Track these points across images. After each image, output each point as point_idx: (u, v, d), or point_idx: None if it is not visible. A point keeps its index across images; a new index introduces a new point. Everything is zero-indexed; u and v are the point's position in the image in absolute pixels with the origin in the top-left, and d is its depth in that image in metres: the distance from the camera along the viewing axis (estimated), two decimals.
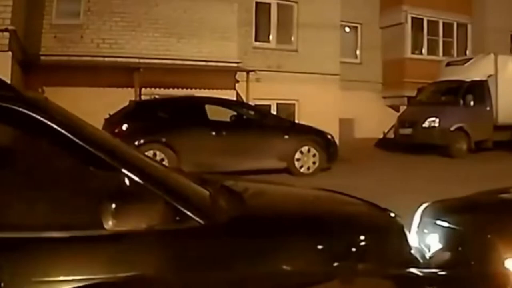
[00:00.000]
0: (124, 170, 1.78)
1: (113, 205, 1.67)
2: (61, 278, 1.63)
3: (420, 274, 2.29)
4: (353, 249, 2.03)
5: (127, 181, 1.77)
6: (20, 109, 1.71)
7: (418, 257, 2.46)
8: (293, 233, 1.98)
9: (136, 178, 1.79)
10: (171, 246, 1.76)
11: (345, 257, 2.00)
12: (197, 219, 1.81)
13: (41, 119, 1.72)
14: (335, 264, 1.96)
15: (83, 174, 1.82)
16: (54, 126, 1.73)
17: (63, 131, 1.73)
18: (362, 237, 2.11)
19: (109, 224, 1.67)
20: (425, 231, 3.09)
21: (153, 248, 1.73)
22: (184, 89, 12.08)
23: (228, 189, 2.45)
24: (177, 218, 1.80)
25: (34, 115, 1.72)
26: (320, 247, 2.00)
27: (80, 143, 1.75)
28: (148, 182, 1.81)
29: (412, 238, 3.16)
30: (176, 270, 1.74)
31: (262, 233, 1.94)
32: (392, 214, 2.44)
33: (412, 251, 2.24)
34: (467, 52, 17.95)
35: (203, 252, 1.79)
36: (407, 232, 2.30)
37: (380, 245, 2.14)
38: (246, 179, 3.78)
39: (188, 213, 1.81)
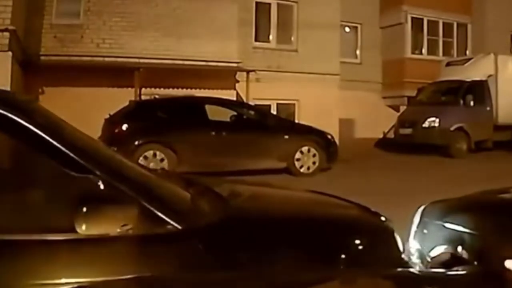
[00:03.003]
0: (98, 172, 1.73)
1: (86, 208, 1.63)
2: (33, 282, 1.59)
3: (420, 274, 2.29)
4: (342, 253, 1.99)
5: (101, 184, 1.72)
6: None
7: (414, 260, 2.45)
8: (276, 237, 1.93)
9: (111, 181, 1.74)
10: (146, 251, 1.72)
11: (333, 261, 1.96)
12: (174, 223, 1.76)
13: (16, 119, 1.71)
14: (322, 268, 1.91)
15: (58, 176, 1.78)
16: (30, 126, 1.71)
17: (39, 132, 1.71)
18: (351, 241, 2.07)
19: (81, 228, 1.63)
20: (425, 231, 3.10)
21: (126, 253, 1.69)
22: (184, 89, 12.08)
23: (212, 191, 2.41)
24: (153, 222, 1.75)
25: (10, 115, 1.71)
26: (306, 251, 1.95)
27: (56, 144, 1.72)
28: (123, 185, 1.76)
29: (411, 239, 3.17)
30: (151, 276, 1.69)
31: (244, 237, 1.89)
32: (383, 218, 2.41)
33: (403, 256, 2.19)
34: (467, 52, 17.94)
35: (179, 258, 1.74)
36: (397, 236, 2.25)
37: (369, 249, 2.09)
38: (235, 181, 3.75)
39: (165, 217, 1.76)
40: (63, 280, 1.60)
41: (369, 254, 2.07)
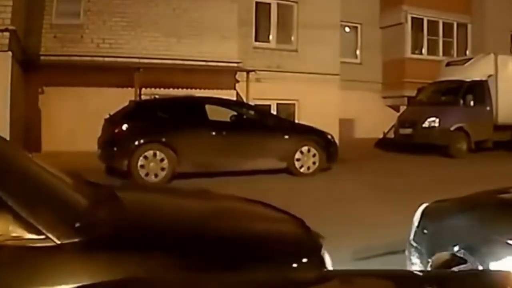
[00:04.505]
0: None
1: None
2: None
3: (420, 274, 2.29)
4: (250, 265, 1.89)
5: None
6: None
7: (414, 260, 2.41)
8: (164, 259, 1.78)
9: None
10: (11, 267, 1.56)
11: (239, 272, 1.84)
12: (52, 237, 1.63)
13: None
14: (223, 282, 1.77)
15: None
16: None
17: None
18: (263, 256, 1.98)
19: None
20: (425, 231, 3.10)
21: None
22: (184, 89, 12.08)
23: (116, 201, 2.29)
24: (28, 235, 1.61)
25: None
26: (203, 265, 1.82)
27: None
28: (4, 193, 1.63)
29: (411, 239, 3.17)
30: None
31: (128, 253, 1.75)
32: (313, 233, 2.34)
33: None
34: (467, 52, 17.95)
35: (53, 271, 1.59)
36: (325, 254, 2.16)
37: (284, 264, 2.00)
38: (155, 188, 3.59)
39: (42, 229, 1.62)
40: None
41: (284, 269, 1.97)
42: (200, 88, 12.01)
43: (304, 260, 2.08)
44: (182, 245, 1.91)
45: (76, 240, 1.69)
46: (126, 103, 9.86)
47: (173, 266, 1.79)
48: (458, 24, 18.28)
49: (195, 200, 2.92)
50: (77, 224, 1.80)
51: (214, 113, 9.66)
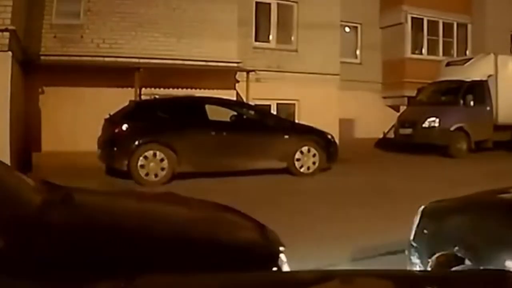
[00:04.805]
0: None
1: None
2: None
3: (420, 274, 2.29)
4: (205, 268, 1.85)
5: None
6: None
7: (414, 260, 2.41)
8: (107, 263, 1.74)
9: None
10: None
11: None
12: None
13: None
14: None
15: None
16: None
17: None
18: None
19: None
20: (425, 231, 3.10)
21: None
22: (184, 89, 12.08)
23: (69, 203, 2.21)
24: None
25: None
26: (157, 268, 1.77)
27: None
28: None
29: (411, 239, 3.17)
30: None
31: (68, 257, 1.69)
32: (272, 239, 2.29)
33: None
34: (467, 52, 17.95)
35: None
36: (282, 262, 2.10)
37: (236, 268, 1.92)
38: (119, 192, 3.44)
39: None
40: None
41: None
42: (200, 88, 12.01)
43: (256, 268, 2.01)
44: (124, 249, 1.86)
45: (17, 242, 1.66)
46: (126, 103, 9.87)
47: (118, 269, 1.74)
48: (458, 24, 18.27)
49: (155, 204, 2.83)
50: (20, 226, 1.76)
51: (214, 113, 9.67)
